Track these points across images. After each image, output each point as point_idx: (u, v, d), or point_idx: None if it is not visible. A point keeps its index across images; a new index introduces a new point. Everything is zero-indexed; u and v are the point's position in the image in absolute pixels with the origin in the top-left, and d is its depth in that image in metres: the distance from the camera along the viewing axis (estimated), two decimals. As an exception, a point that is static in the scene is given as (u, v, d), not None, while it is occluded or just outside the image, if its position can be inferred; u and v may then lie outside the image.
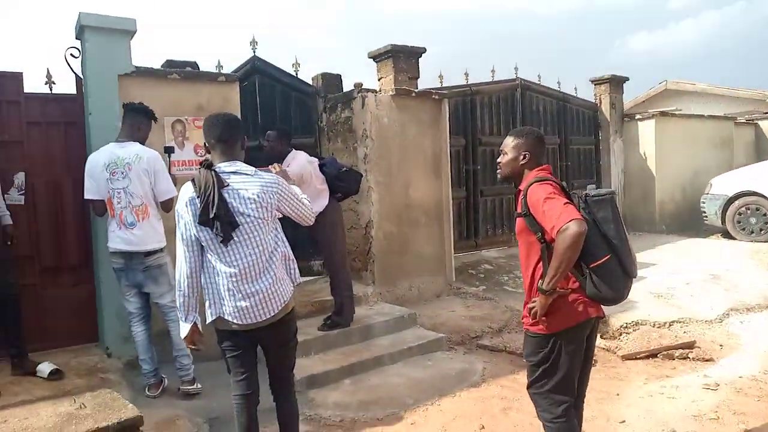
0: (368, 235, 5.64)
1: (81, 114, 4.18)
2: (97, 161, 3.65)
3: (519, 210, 2.53)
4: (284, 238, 2.74)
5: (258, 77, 6.13)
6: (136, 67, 4.24)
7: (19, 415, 2.69)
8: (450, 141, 7.05)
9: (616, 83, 9.13)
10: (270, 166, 3.01)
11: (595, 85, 9.26)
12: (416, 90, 5.93)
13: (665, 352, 4.55)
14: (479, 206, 7.47)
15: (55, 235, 4.21)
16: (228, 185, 2.47)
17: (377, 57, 6.57)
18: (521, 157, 2.61)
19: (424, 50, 6.55)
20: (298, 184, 4.51)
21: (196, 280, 2.54)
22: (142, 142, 3.77)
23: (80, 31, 4.06)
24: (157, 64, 4.54)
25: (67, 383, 3.69)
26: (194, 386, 3.89)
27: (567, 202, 2.33)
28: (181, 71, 4.49)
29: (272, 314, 2.60)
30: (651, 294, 5.90)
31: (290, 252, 2.77)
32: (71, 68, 4.23)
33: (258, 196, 2.51)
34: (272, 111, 6.17)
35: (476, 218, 7.47)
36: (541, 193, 2.38)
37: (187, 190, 2.48)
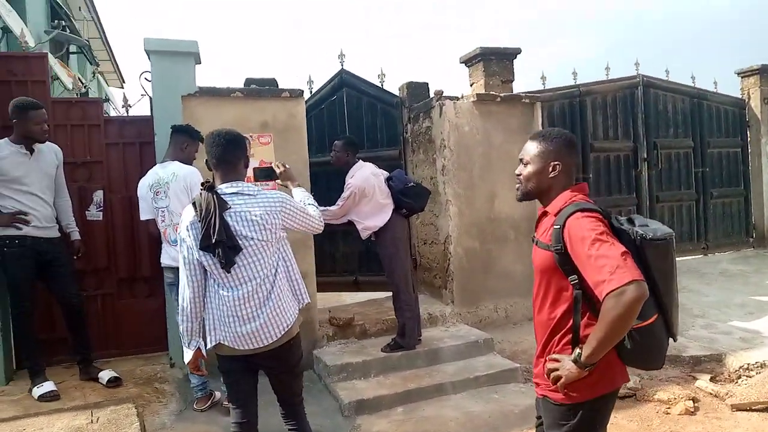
0: (447, 251, 5.30)
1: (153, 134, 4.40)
2: (143, 183, 3.81)
3: (546, 240, 1.95)
4: (291, 256, 2.61)
5: (346, 90, 6.11)
6: (199, 87, 4.38)
7: (37, 425, 2.83)
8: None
9: (768, 74, 7.77)
10: (273, 164, 3.00)
11: (741, 77, 7.95)
12: (502, 94, 5.47)
13: (790, 406, 3.67)
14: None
15: (131, 248, 4.46)
16: (230, 207, 2.38)
17: (468, 61, 6.22)
18: (550, 168, 2.01)
19: (518, 51, 6.07)
20: (359, 197, 4.38)
21: (200, 305, 2.46)
22: (189, 162, 3.85)
23: (147, 56, 4.28)
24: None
25: (122, 391, 3.87)
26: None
27: (626, 251, 1.74)
28: (244, 89, 4.55)
29: (274, 340, 2.47)
30: (794, 328, 4.87)
31: (296, 271, 2.62)
32: (145, 91, 4.48)
33: (261, 218, 2.41)
34: (359, 124, 6.11)
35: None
36: (589, 231, 1.79)
37: (188, 214, 2.41)
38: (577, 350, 1.84)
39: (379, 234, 4.49)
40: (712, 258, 7.39)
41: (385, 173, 4.62)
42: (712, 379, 4.19)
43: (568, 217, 1.87)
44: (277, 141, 4.62)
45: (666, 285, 1.84)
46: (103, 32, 12.87)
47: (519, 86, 6.27)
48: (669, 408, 3.82)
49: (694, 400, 3.88)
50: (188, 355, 2.50)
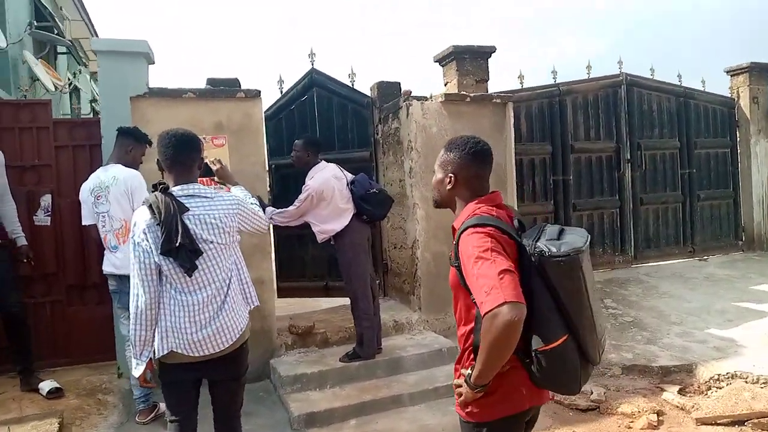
0: (414, 255, 5.14)
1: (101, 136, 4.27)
2: (85, 187, 3.68)
3: (452, 256, 1.84)
4: (242, 259, 2.57)
5: (316, 90, 5.95)
6: (149, 87, 4.24)
7: (-52, 443, 2.70)
8: (533, 149, 6.34)
9: (758, 72, 7.51)
10: (210, 161, 2.90)
11: (731, 76, 7.73)
12: (472, 94, 5.30)
13: (756, 421, 3.47)
14: (571, 222, 6.54)
15: (80, 254, 4.34)
16: (188, 210, 2.31)
17: (441, 60, 6.05)
18: (447, 180, 1.93)
19: (493, 50, 5.89)
20: (317, 200, 4.22)
21: (156, 312, 2.34)
22: (134, 166, 3.71)
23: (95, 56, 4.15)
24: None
25: (62, 402, 3.74)
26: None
27: (505, 270, 1.62)
28: (197, 89, 4.40)
29: (229, 344, 2.41)
30: (769, 337, 4.66)
31: (247, 274, 2.60)
32: (96, 93, 4.35)
33: (221, 221, 2.39)
34: (330, 124, 5.95)
35: (567, 236, 6.54)
36: (473, 249, 1.70)
37: (143, 216, 2.29)
38: (468, 370, 1.76)
39: (338, 239, 4.33)
40: (698, 262, 7.18)
41: (350, 176, 4.47)
42: (680, 391, 4.00)
43: (462, 233, 1.78)
44: (233, 142, 4.48)
45: (575, 305, 1.69)
46: (95, 32, 12.79)
47: (511, 86, 6.10)
48: (632, 422, 3.65)
49: (659, 413, 3.71)
50: (140, 367, 2.36)
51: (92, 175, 3.68)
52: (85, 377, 4.12)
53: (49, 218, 4.25)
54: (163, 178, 2.45)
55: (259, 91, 4.57)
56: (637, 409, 3.74)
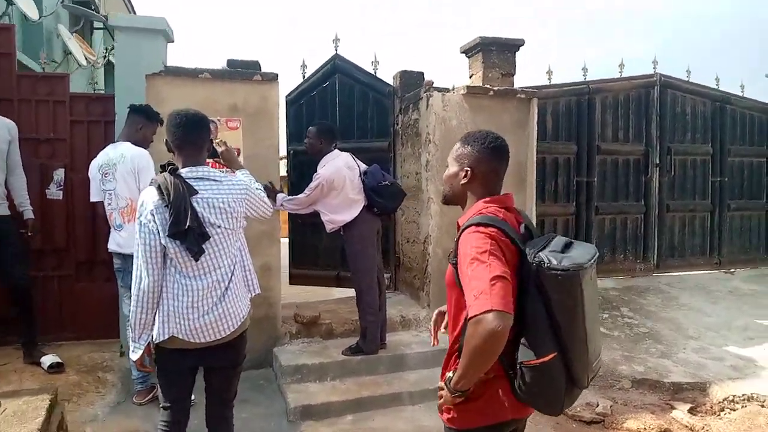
0: (426, 251, 5.04)
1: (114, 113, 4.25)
2: (94, 163, 3.65)
3: (452, 253, 1.79)
4: (245, 246, 2.54)
5: (338, 77, 5.86)
6: (165, 66, 4.20)
7: (-60, 413, 2.70)
8: (558, 148, 6.16)
9: (803, 80, 7.19)
10: (216, 143, 2.85)
11: (773, 81, 7.42)
12: (495, 88, 5.14)
13: (769, 448, 3.32)
14: (593, 225, 6.36)
15: (91, 230, 4.33)
16: (197, 193, 2.27)
17: (468, 51, 5.89)
18: (462, 174, 1.86)
19: (521, 43, 5.70)
20: (328, 188, 4.14)
21: (158, 294, 2.29)
22: (144, 145, 3.68)
23: (111, 32, 4.12)
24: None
25: (61, 378, 3.76)
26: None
27: (498, 276, 1.56)
28: (214, 70, 4.34)
29: (231, 331, 2.39)
30: (794, 359, 4.46)
31: (250, 261, 2.58)
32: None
33: (229, 206, 2.35)
34: (350, 112, 5.86)
35: (588, 239, 6.36)
36: (471, 249, 1.64)
37: (151, 196, 2.24)
38: (449, 374, 1.72)
39: (346, 230, 4.26)
40: (724, 274, 6.92)
41: (363, 166, 4.38)
42: (691, 410, 3.84)
43: (464, 230, 1.72)
44: (247, 126, 4.42)
45: (568, 322, 1.61)
46: (132, 8, 12.90)
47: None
48: (637, 439, 3.52)
49: (666, 432, 3.57)
50: (138, 351, 2.33)
51: (101, 152, 3.66)
52: (88, 354, 4.14)
53: (62, 192, 4.26)
54: (173, 158, 2.40)
55: (277, 75, 4.49)
56: (643, 426, 3.60)
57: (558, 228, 6.22)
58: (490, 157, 1.85)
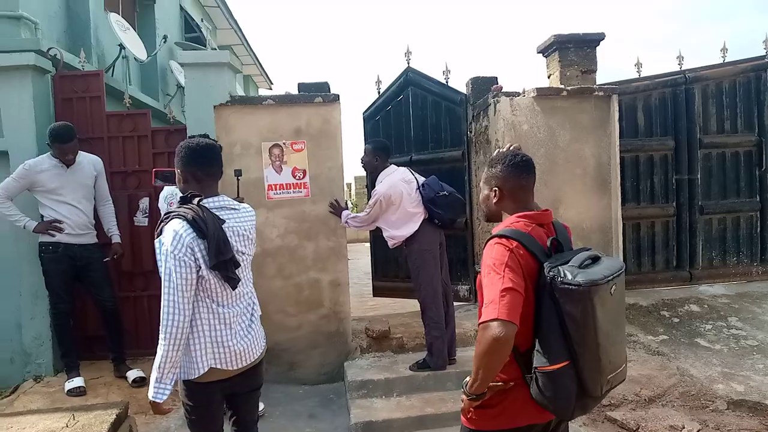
0: (500, 262, 4.85)
1: (189, 143, 4.55)
2: (161, 195, 3.97)
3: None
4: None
5: (411, 89, 5.88)
6: (231, 96, 4.43)
7: (24, 423, 3.04)
8: (652, 145, 5.69)
9: None
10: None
11: None
12: (569, 87, 4.85)
13: None
14: (697, 226, 5.77)
15: (175, 253, 4.66)
16: (224, 222, 2.31)
17: (544, 51, 5.61)
18: (492, 194, 2.02)
19: (601, 37, 5.34)
20: (386, 204, 4.15)
21: (188, 330, 2.23)
22: None
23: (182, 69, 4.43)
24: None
25: (142, 391, 4.05)
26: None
27: (509, 288, 1.70)
28: (276, 96, 4.53)
29: (262, 350, 2.48)
30: None
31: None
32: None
33: (250, 233, 2.46)
34: (423, 124, 5.84)
35: (692, 242, 5.79)
36: (491, 259, 1.80)
37: (184, 229, 2.17)
38: (467, 378, 1.85)
39: (408, 244, 4.23)
40: None
41: (421, 179, 4.34)
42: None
43: (488, 240, 1.88)
44: (311, 147, 4.55)
45: (579, 335, 1.71)
46: (245, 38, 13.83)
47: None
48: (726, 470, 3.13)
49: (763, 463, 3.14)
50: (167, 392, 2.18)
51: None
52: (173, 368, 4.43)
53: (147, 219, 4.62)
54: (181, 187, 2.37)
55: (338, 96, 4.58)
56: (736, 454, 3.20)
57: (656, 231, 5.72)
58: (514, 174, 1.97)
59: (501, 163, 1.99)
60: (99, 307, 4.18)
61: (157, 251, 2.21)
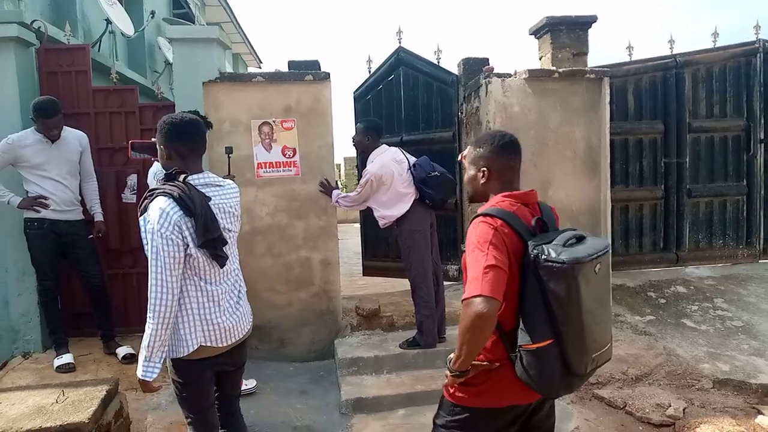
0: (490, 243, 4.86)
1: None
2: (150, 171, 3.84)
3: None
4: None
5: (402, 69, 5.83)
6: (220, 73, 4.37)
7: (12, 399, 3.01)
8: (641, 128, 5.71)
9: None
10: (155, 139, 2.42)
11: None
12: (561, 70, 4.84)
13: None
14: (684, 209, 5.83)
15: (163, 231, 4.63)
16: (210, 200, 2.26)
17: (537, 32, 5.59)
18: (480, 174, 2.00)
19: (593, 20, 5.33)
20: (377, 184, 4.14)
21: (177, 308, 2.22)
22: None
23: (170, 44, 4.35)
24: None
25: (132, 368, 4.02)
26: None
27: (492, 265, 1.70)
28: (266, 73, 4.48)
29: (248, 328, 2.49)
30: None
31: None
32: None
33: (235, 209, 2.43)
34: (414, 104, 5.81)
35: (680, 225, 5.85)
36: (475, 237, 1.81)
37: (171, 207, 2.13)
38: (451, 354, 1.85)
39: (398, 224, 4.23)
40: None
41: (413, 159, 4.32)
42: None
43: (473, 219, 1.88)
44: (301, 126, 4.51)
45: (562, 313, 1.71)
46: (234, 16, 13.62)
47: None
48: (711, 446, 3.19)
49: (746, 439, 3.20)
50: (157, 371, 2.18)
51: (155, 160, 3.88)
52: (162, 345, 4.42)
53: (135, 196, 4.57)
54: (164, 163, 2.33)
55: (328, 74, 4.53)
56: (720, 431, 3.26)
57: (644, 213, 5.78)
58: (502, 155, 1.98)
59: (489, 143, 1.99)
60: (85, 284, 4.14)
61: (143, 229, 2.18)
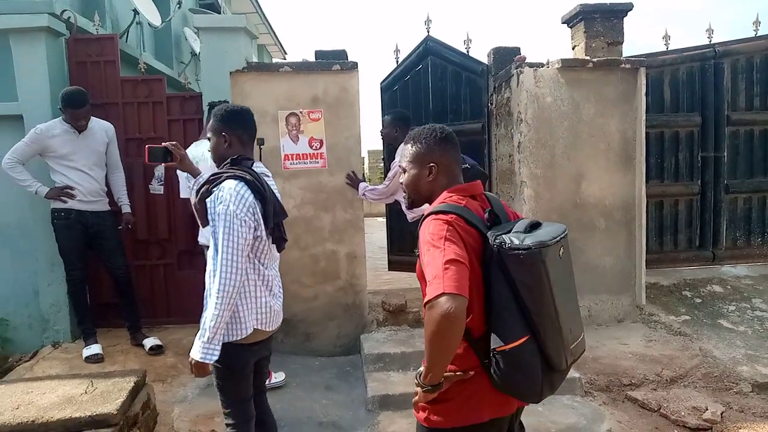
0: (519, 238, 4.75)
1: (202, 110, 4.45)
2: None
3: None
4: None
5: (431, 59, 5.71)
6: (247, 62, 4.32)
7: (44, 388, 3.02)
8: (678, 121, 5.53)
9: None
10: (169, 145, 2.52)
11: None
12: (595, 59, 4.69)
13: None
14: (722, 206, 5.64)
15: (190, 223, 4.60)
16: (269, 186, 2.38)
17: (569, 21, 5.43)
18: (427, 172, 1.84)
19: (629, 7, 5.15)
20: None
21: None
22: None
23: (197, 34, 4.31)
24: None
25: (159, 359, 4.07)
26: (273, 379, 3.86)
27: (452, 260, 1.54)
28: (293, 63, 4.42)
29: (283, 315, 2.54)
30: None
31: None
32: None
33: (280, 198, 2.50)
34: (443, 94, 5.69)
35: (716, 221, 5.66)
36: (429, 236, 1.64)
37: (245, 190, 2.21)
38: (421, 368, 1.69)
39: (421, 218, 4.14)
40: None
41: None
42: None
43: (424, 219, 1.73)
44: (328, 117, 4.44)
45: (535, 303, 1.58)
46: (259, 7, 13.61)
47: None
48: (751, 453, 3.07)
49: (789, 446, 3.07)
50: (217, 352, 2.18)
51: (186, 150, 3.83)
52: (187, 337, 4.41)
53: (162, 187, 4.56)
54: (223, 151, 2.35)
55: (356, 64, 4.46)
56: (761, 437, 3.14)
57: (680, 209, 5.60)
58: (448, 148, 1.85)
59: (432, 138, 1.84)
60: (111, 275, 4.14)
61: (211, 210, 2.19)
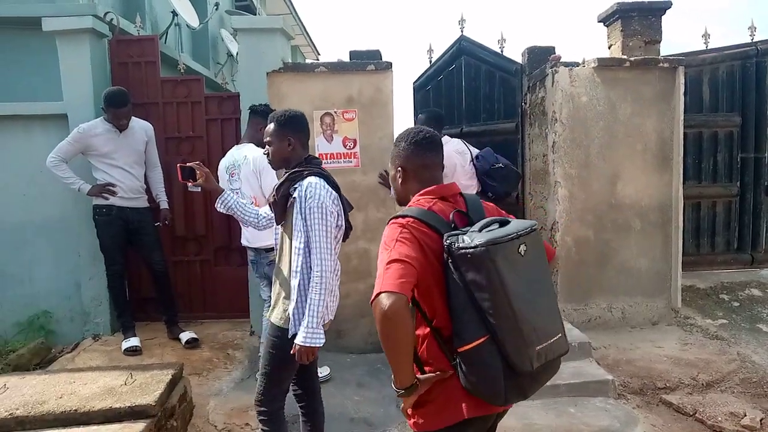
0: (553, 239, 4.73)
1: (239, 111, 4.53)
2: (221, 164, 3.87)
3: None
4: None
5: (464, 58, 5.73)
6: (284, 63, 4.39)
7: (86, 379, 3.12)
8: (717, 121, 5.42)
9: None
10: (195, 164, 2.82)
11: None
12: (632, 58, 4.63)
13: None
14: (762, 208, 5.51)
15: (226, 220, 4.69)
16: None
17: (606, 20, 5.37)
18: (397, 174, 1.90)
19: (667, 5, 5.06)
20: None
21: None
22: (263, 145, 3.86)
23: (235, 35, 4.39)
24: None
25: (195, 353, 4.16)
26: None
27: (394, 259, 1.57)
28: (329, 63, 4.46)
29: None
30: None
31: None
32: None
33: None
34: (476, 94, 5.70)
35: (756, 224, 5.53)
36: (385, 239, 1.69)
37: (326, 186, 2.43)
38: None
39: (459, 218, 4.15)
40: None
41: (475, 151, 4.23)
42: None
43: (388, 222, 1.76)
44: (362, 116, 4.48)
45: (489, 303, 1.55)
46: (293, 8, 13.76)
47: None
48: (791, 461, 3.00)
49: (832, 456, 3.00)
50: (323, 337, 2.35)
51: (228, 153, 3.89)
52: (222, 332, 4.51)
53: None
54: (288, 154, 2.54)
55: (390, 64, 4.48)
56: (803, 445, 3.07)
57: (717, 211, 5.49)
58: (416, 153, 1.84)
59: (404, 141, 1.87)
60: (150, 270, 4.26)
61: (300, 202, 2.37)
